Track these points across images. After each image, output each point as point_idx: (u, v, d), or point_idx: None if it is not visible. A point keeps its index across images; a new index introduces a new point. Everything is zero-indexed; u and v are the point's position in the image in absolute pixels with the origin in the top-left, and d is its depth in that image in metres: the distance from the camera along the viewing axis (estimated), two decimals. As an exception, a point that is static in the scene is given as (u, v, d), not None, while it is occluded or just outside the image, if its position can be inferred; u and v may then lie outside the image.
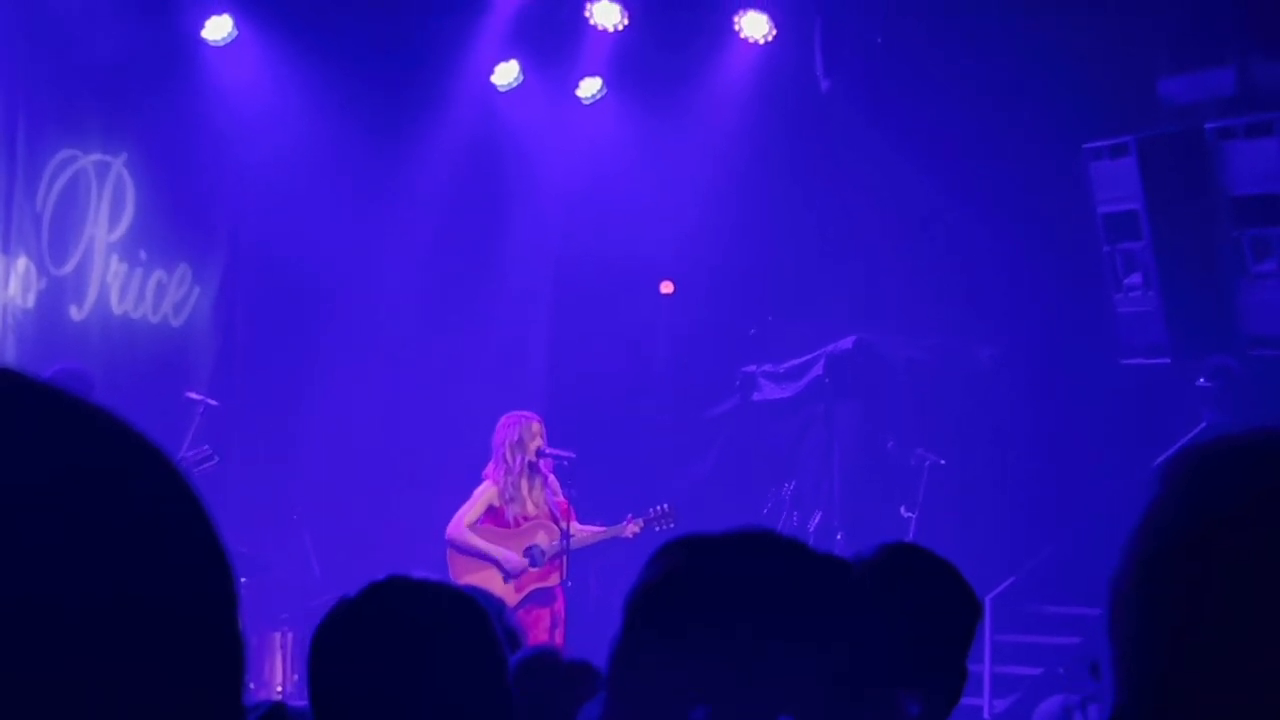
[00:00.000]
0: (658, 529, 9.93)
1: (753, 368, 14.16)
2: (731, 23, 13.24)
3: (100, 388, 9.68)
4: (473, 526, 9.85)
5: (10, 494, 0.91)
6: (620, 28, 12.97)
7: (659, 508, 10.11)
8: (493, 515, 9.87)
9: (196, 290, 12.19)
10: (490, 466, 9.92)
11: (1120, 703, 1.23)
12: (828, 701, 1.53)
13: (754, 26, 13.22)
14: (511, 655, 2.80)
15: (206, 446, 9.65)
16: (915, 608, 3.02)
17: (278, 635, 10.34)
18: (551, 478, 9.91)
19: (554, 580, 9.80)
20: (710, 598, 1.55)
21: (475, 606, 2.71)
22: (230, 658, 0.96)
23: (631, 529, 9.99)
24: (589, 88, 13.56)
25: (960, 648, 3.18)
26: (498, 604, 3.42)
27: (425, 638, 2.62)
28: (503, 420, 9.97)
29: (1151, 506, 1.26)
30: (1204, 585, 1.19)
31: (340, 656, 2.62)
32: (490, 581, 9.61)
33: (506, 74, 13.18)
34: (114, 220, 11.69)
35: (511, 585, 9.76)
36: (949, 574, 3.24)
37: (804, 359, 13.80)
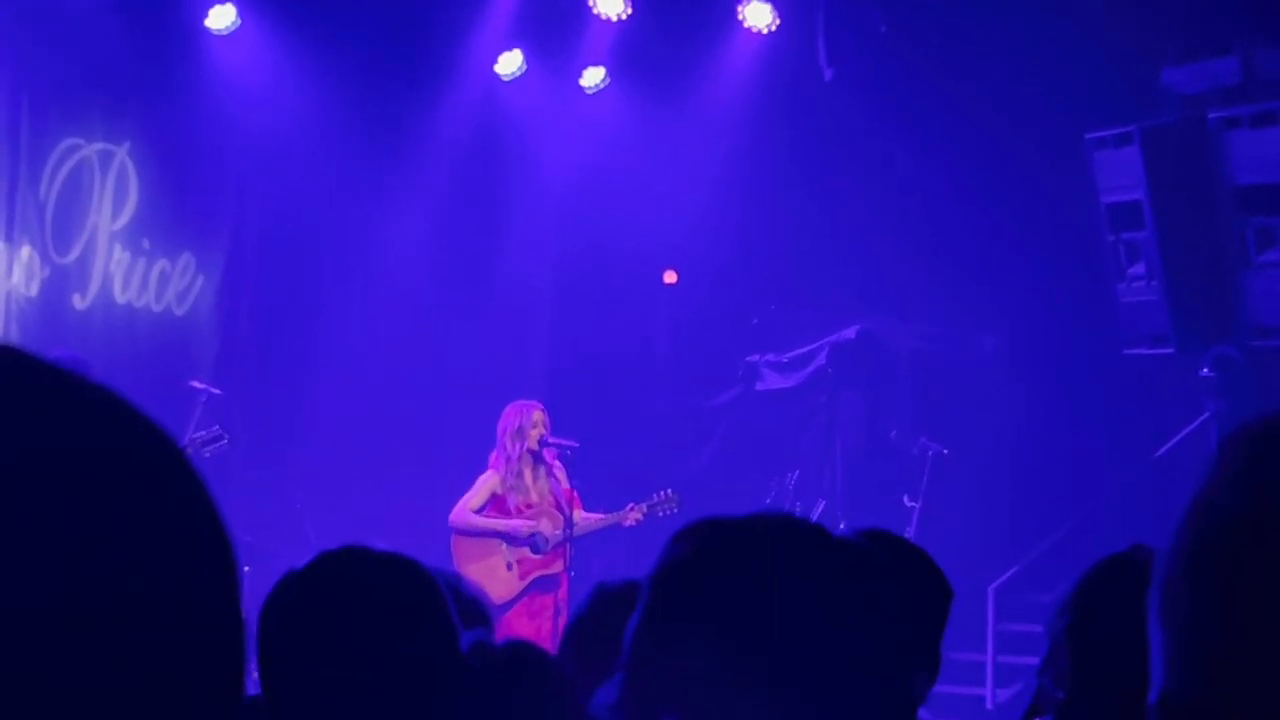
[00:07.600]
0: (661, 514, 9.93)
1: (756, 357, 14.16)
2: (735, 12, 13.21)
3: (102, 376, 9.59)
4: (476, 513, 9.86)
5: (8, 470, 0.91)
6: (624, 17, 12.95)
7: (662, 493, 10.10)
8: (496, 503, 9.88)
9: (200, 279, 12.19)
10: (494, 455, 9.94)
11: (1169, 685, 1.20)
12: (844, 683, 1.53)
13: (757, 16, 13.19)
14: (469, 626, 2.78)
15: (216, 426, 9.54)
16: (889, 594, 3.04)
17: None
18: (559, 466, 9.91)
19: (558, 567, 9.80)
20: (734, 580, 1.55)
21: (423, 574, 2.71)
22: (231, 638, 0.97)
23: (634, 516, 9.99)
24: (592, 77, 13.54)
25: (934, 632, 3.22)
26: (452, 576, 3.42)
27: (370, 605, 2.63)
28: (507, 409, 9.98)
29: (1206, 485, 1.22)
30: (1262, 567, 1.16)
31: (286, 625, 2.63)
32: (494, 569, 9.63)
33: (510, 64, 13.17)
34: (117, 209, 11.69)
35: (515, 572, 9.77)
36: (920, 560, 3.28)
37: (807, 348, 13.80)
